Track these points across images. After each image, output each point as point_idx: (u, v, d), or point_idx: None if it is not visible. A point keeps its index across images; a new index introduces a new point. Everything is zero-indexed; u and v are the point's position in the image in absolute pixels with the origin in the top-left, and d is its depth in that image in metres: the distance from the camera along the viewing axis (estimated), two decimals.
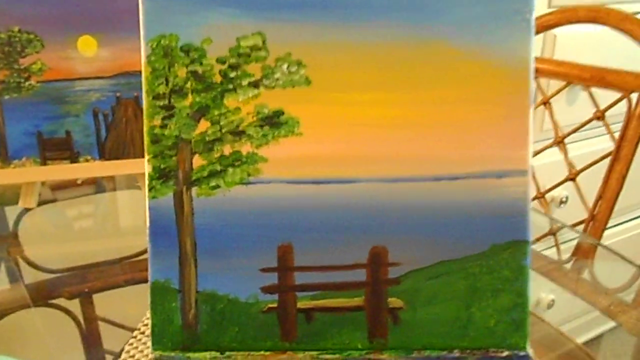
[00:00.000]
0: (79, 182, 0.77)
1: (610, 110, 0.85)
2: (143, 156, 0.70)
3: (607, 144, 0.83)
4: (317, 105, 0.31)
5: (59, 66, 0.65)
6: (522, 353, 0.31)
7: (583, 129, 0.91)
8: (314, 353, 0.32)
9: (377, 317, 0.32)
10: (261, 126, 0.31)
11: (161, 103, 0.31)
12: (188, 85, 0.31)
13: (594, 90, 0.86)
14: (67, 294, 0.63)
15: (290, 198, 0.31)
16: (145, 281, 0.66)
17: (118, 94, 0.67)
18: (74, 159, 0.67)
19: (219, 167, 0.31)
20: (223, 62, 0.31)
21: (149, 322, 0.33)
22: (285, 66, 0.31)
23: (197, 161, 0.32)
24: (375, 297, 0.32)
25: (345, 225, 0.32)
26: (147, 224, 0.32)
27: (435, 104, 0.31)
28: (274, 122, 0.31)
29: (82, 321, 0.59)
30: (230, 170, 0.31)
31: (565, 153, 0.88)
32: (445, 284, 0.32)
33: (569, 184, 0.88)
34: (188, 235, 0.32)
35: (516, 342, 0.32)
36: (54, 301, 0.61)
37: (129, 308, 0.60)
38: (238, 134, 0.31)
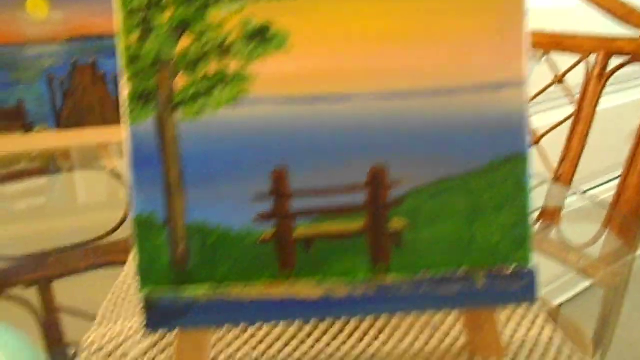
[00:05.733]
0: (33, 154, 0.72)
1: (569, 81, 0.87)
2: (103, 124, 0.66)
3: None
4: (307, 18, 0.29)
5: (7, 30, 0.61)
6: (526, 269, 0.31)
7: (544, 101, 0.93)
8: (315, 280, 0.30)
9: (379, 240, 0.30)
10: (248, 42, 0.29)
11: (137, 19, 0.29)
12: None
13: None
14: (25, 283, 0.59)
15: (283, 118, 0.30)
16: (109, 265, 0.62)
17: (74, 60, 0.63)
18: (27, 129, 0.62)
19: (204, 87, 0.29)
20: None
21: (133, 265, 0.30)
22: None
23: (180, 81, 0.29)
24: (376, 219, 0.30)
25: (342, 144, 0.30)
26: (128, 152, 0.29)
27: (428, 14, 0.30)
28: (261, 37, 0.29)
29: (41, 311, 0.55)
30: (217, 90, 0.29)
31: None
32: (447, 202, 0.31)
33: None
34: (173, 163, 0.29)
35: (520, 258, 0.31)
36: (9, 291, 0.57)
37: (92, 295, 0.56)
38: (223, 50, 0.29)
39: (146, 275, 0.29)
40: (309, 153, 0.30)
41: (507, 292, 0.30)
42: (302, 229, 0.30)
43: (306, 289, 0.30)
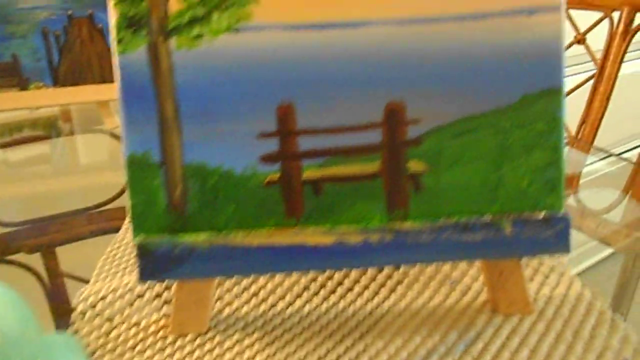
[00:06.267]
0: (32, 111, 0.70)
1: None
2: (102, 81, 0.63)
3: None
4: None
5: None
6: (559, 214, 0.28)
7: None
8: (326, 227, 0.27)
9: (396, 184, 0.28)
10: None
11: None
12: None
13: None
14: (28, 248, 0.57)
15: (289, 47, 0.26)
16: (114, 231, 0.60)
17: (70, 12, 0.60)
18: (23, 85, 0.60)
19: (201, 12, 0.26)
20: None
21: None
22: None
23: (174, 5, 0.26)
24: (393, 161, 0.28)
25: (355, 78, 0.27)
26: (118, 85, 0.27)
27: None
28: None
29: (45, 277, 0.53)
30: (215, 15, 0.26)
31: None
32: (472, 142, 0.28)
33: None
34: (168, 97, 0.26)
35: (551, 204, 0.28)
36: (12, 257, 0.55)
37: (96, 261, 0.54)
38: None
39: (141, 220, 0.27)
40: (318, 87, 0.27)
41: (538, 240, 0.28)
42: (311, 171, 0.27)
43: (316, 236, 0.27)
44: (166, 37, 0.26)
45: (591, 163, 0.80)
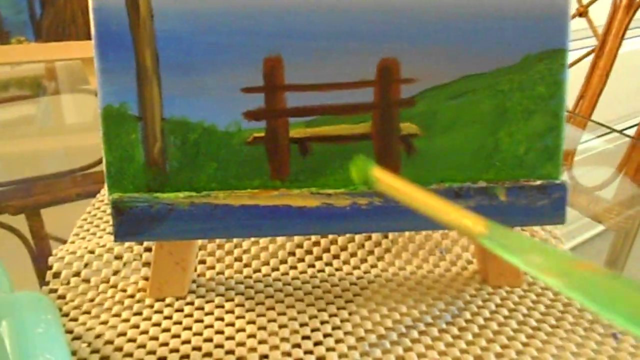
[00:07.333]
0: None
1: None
2: (87, 37, 0.61)
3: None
4: None
5: None
6: (557, 181, 0.27)
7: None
8: (313, 189, 0.26)
9: (388, 146, 0.26)
10: None
11: None
12: None
13: None
14: (12, 209, 0.56)
15: None
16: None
17: None
18: (4, 40, 0.57)
19: None
20: None
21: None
22: None
23: None
24: (385, 121, 0.26)
25: (348, 31, 0.25)
26: (92, 30, 0.25)
27: None
28: None
29: (30, 239, 0.52)
30: None
31: None
32: (469, 104, 0.26)
33: None
34: (147, 45, 0.25)
35: (548, 172, 0.27)
36: None
37: None
38: None
39: (116, 177, 0.25)
40: (308, 39, 0.25)
41: (533, 209, 0.26)
42: (299, 129, 0.26)
43: (301, 199, 0.26)
44: None
45: (587, 140, 0.79)
